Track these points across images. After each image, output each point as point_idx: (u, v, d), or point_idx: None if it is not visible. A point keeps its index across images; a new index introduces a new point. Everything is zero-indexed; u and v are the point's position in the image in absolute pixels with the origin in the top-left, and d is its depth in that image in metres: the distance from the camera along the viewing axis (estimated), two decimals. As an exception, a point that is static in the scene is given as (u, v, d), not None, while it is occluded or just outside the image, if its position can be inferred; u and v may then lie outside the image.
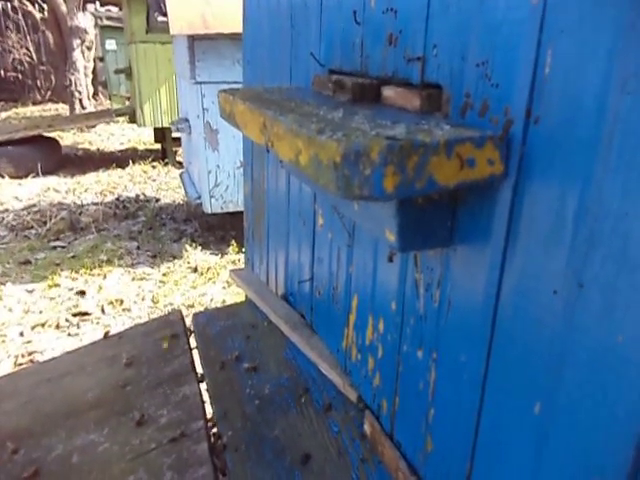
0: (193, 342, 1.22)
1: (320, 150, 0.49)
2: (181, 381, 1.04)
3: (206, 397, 1.03)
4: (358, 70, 0.80)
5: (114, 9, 6.58)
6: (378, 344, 0.82)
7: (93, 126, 6.35)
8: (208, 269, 2.97)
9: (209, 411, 1.00)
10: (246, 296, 1.39)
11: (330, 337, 1.03)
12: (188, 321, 1.36)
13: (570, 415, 0.47)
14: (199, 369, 1.11)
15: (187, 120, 3.41)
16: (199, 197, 3.27)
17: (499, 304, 0.54)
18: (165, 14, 2.82)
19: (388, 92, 0.69)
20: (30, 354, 2.21)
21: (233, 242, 3.24)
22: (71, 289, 2.78)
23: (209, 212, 3.15)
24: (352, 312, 0.91)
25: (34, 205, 3.95)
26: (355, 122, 0.55)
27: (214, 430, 0.93)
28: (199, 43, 2.82)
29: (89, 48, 6.85)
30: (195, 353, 1.17)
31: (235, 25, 2.59)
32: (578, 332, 0.45)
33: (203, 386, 1.06)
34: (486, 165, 0.49)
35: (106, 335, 1.23)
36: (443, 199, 0.57)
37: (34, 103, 8.38)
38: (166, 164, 5.16)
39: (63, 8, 6.68)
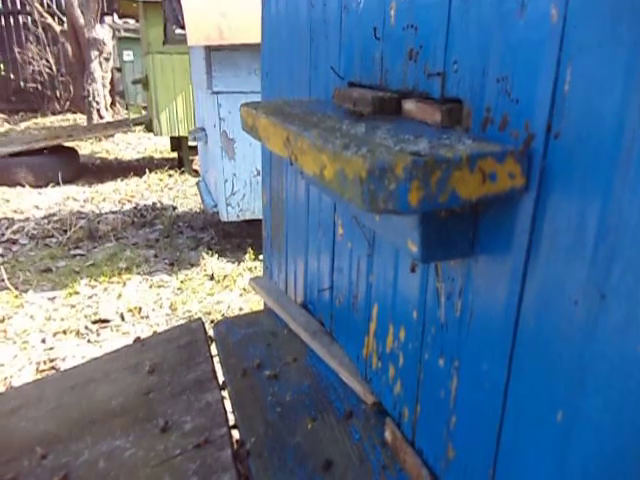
0: (214, 350, 1.24)
1: (346, 165, 0.51)
2: (204, 388, 1.06)
3: (228, 404, 1.05)
4: (377, 84, 0.82)
5: (131, 21, 6.69)
6: (399, 352, 0.83)
7: (111, 135, 6.45)
8: (225, 277, 3.00)
9: (231, 418, 1.02)
10: (265, 304, 1.41)
11: (350, 345, 1.04)
12: (208, 328, 1.38)
13: (592, 424, 0.47)
14: (220, 377, 1.13)
15: (204, 129, 3.46)
16: (216, 205, 3.31)
17: (520, 314, 0.55)
18: (182, 26, 2.87)
19: (409, 106, 0.71)
20: (52, 361, 2.25)
21: (250, 250, 3.26)
22: (90, 297, 2.83)
23: (225, 220, 3.18)
24: (372, 321, 0.92)
25: (54, 214, 4.02)
26: (378, 137, 0.57)
27: (237, 437, 0.94)
28: (215, 54, 2.87)
29: (107, 59, 6.97)
30: (216, 361, 1.19)
31: (251, 36, 2.63)
32: (599, 342, 0.46)
33: (225, 393, 1.08)
34: (507, 179, 0.50)
35: (136, 341, 1.26)
36: (465, 211, 0.59)
37: (53, 113, 8.53)
38: (182, 172, 5.22)
39: (81, 21, 6.82)
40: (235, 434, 0.97)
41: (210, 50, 2.83)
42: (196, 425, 0.96)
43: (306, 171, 0.64)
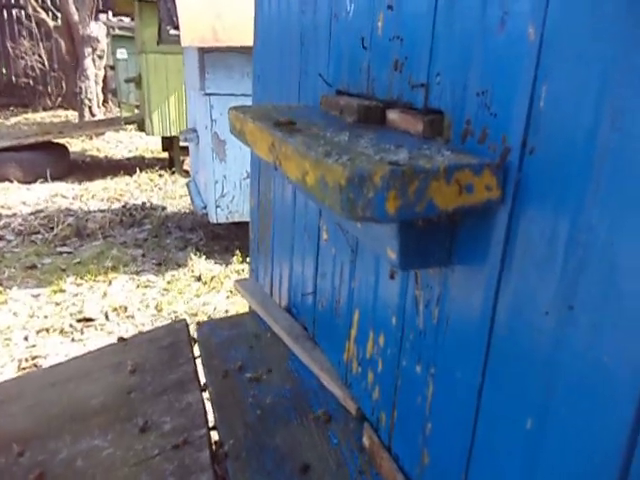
0: (197, 351, 1.24)
1: (327, 172, 0.51)
2: (185, 389, 1.06)
3: (208, 405, 1.05)
4: (364, 92, 0.83)
5: (126, 19, 6.67)
6: (378, 358, 0.84)
7: (102, 133, 6.42)
8: (212, 278, 2.99)
9: (211, 419, 1.02)
10: (250, 307, 1.41)
11: (331, 350, 1.05)
12: (192, 329, 1.38)
13: (560, 431, 0.49)
14: (202, 378, 1.13)
15: (195, 130, 3.46)
16: (205, 207, 3.30)
17: (494, 323, 0.56)
18: (176, 27, 2.88)
19: (392, 115, 0.72)
20: (34, 358, 2.23)
21: (237, 252, 3.26)
22: (76, 295, 2.81)
23: (215, 222, 3.18)
24: (353, 326, 0.93)
25: (41, 210, 4.00)
26: (360, 146, 0.58)
27: (216, 438, 0.95)
28: (209, 55, 2.87)
29: (100, 57, 6.94)
30: (199, 362, 1.19)
31: (245, 39, 2.63)
32: (567, 352, 0.47)
33: (206, 395, 1.08)
34: (484, 191, 0.52)
35: (119, 340, 1.25)
36: (442, 221, 0.60)
37: (44, 109, 8.47)
38: (173, 173, 5.21)
39: (76, 17, 6.79)
40: (215, 436, 0.98)
41: (204, 51, 2.84)
42: (175, 426, 0.96)
43: (290, 176, 0.65)
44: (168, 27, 2.77)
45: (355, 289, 0.91)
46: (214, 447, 0.92)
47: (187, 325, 1.30)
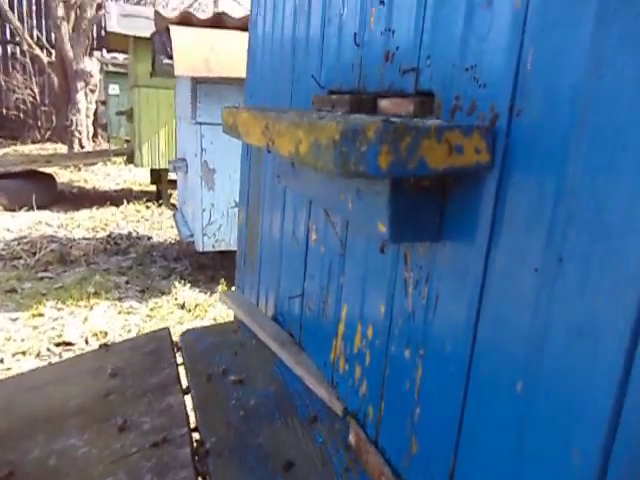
0: (180, 360, 1.22)
1: (320, 133, 0.53)
2: (166, 392, 1.03)
3: (191, 409, 1.02)
4: (356, 88, 0.85)
5: (119, 56, 6.82)
6: (366, 351, 0.83)
7: (91, 164, 6.44)
8: (196, 306, 2.95)
9: (193, 423, 0.99)
10: (235, 317, 1.39)
11: (318, 352, 1.04)
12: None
13: (551, 394, 0.48)
14: (185, 383, 1.10)
15: (184, 160, 3.49)
16: (192, 235, 3.29)
17: (484, 291, 0.56)
18: (170, 57, 2.94)
19: (384, 103, 0.74)
20: (8, 381, 2.16)
21: (223, 281, 3.24)
22: (56, 319, 2.75)
23: (201, 250, 3.17)
24: (341, 322, 0.92)
25: (25, 237, 3.95)
26: (352, 117, 0.59)
27: (197, 437, 0.92)
28: (202, 86, 2.93)
29: (92, 91, 7.04)
30: (182, 370, 1.17)
31: (237, 72, 2.70)
32: (557, 305, 0.47)
33: (188, 398, 1.05)
34: (473, 153, 0.53)
35: (101, 347, 1.22)
36: (432, 192, 0.61)
37: (33, 142, 8.50)
38: (160, 205, 5.21)
39: (70, 54, 6.92)
40: (196, 437, 0.95)
41: (197, 81, 2.90)
42: (155, 425, 0.93)
43: (282, 153, 0.66)
44: (162, 57, 2.83)
45: (344, 284, 0.91)
46: (195, 446, 0.89)
47: (170, 333, 1.27)
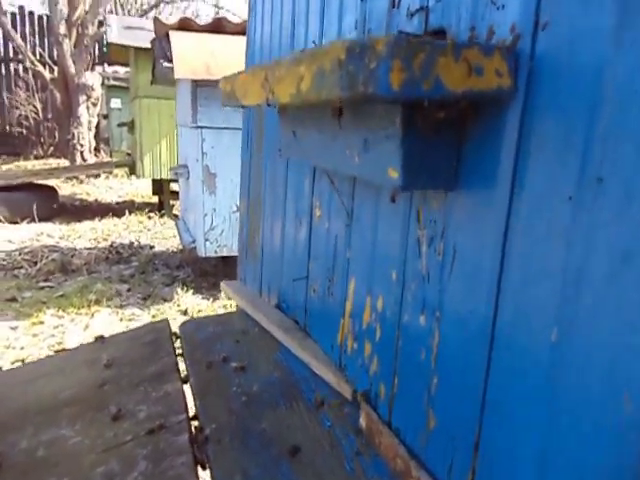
0: (180, 351, 1.16)
1: (324, 57, 0.48)
2: (163, 380, 0.97)
3: (190, 398, 0.96)
4: (360, 47, 0.80)
5: (121, 70, 6.84)
6: (376, 325, 0.77)
7: (93, 176, 6.43)
8: (199, 312, 2.90)
9: (192, 411, 0.92)
10: (237, 306, 1.34)
11: (324, 335, 0.97)
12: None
13: (593, 335, 0.42)
14: (184, 372, 1.04)
15: (186, 166, 3.45)
16: (194, 241, 3.24)
17: (508, 231, 0.51)
18: (170, 60, 2.92)
19: (391, 52, 0.69)
20: (6, 388, 2.10)
21: (225, 286, 3.17)
22: (56, 327, 2.70)
23: (203, 255, 3.11)
24: (348, 300, 0.86)
25: (26, 247, 3.91)
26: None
27: (196, 424, 0.85)
28: (202, 89, 2.90)
29: (94, 104, 7.05)
30: (180, 359, 1.11)
31: (238, 72, 2.67)
32: (597, 230, 0.41)
33: (187, 389, 0.99)
34: (494, 76, 0.48)
35: (97, 339, 1.16)
36: (449, 129, 0.55)
37: (36, 158, 8.51)
38: (162, 215, 5.17)
39: (72, 70, 6.94)
40: (196, 425, 0.88)
41: (197, 85, 2.87)
42: (151, 413, 0.87)
43: (282, 98, 0.61)
44: (162, 61, 2.81)
45: (351, 258, 0.85)
46: (194, 432, 0.83)
47: (169, 324, 1.22)
